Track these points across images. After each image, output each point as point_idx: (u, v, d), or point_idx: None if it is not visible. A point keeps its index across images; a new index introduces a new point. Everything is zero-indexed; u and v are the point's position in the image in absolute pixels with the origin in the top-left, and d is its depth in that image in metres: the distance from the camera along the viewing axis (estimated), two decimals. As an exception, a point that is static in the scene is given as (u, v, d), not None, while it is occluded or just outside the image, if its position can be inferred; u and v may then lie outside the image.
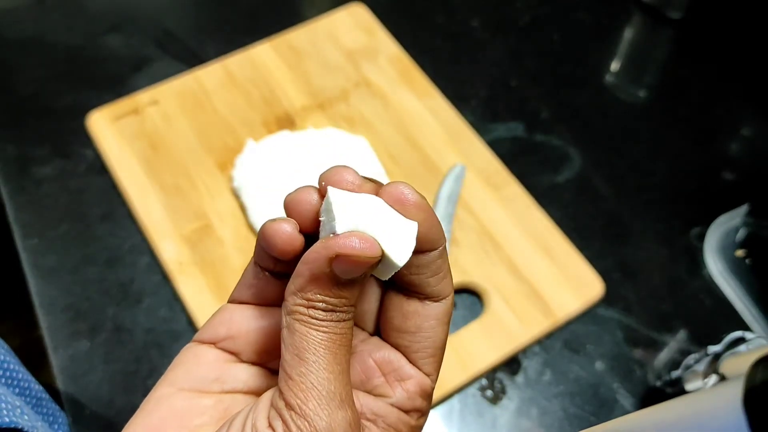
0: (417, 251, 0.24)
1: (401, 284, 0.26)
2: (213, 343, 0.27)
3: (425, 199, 0.24)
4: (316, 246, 0.23)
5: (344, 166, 0.24)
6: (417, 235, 0.24)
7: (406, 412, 0.26)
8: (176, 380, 0.26)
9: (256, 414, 0.23)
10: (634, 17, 0.73)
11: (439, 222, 0.25)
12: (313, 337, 0.23)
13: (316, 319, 0.23)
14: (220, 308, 0.27)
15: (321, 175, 0.24)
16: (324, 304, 0.23)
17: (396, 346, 0.27)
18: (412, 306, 0.26)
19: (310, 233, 0.24)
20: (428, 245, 0.25)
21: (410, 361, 0.26)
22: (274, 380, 0.27)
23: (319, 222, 0.24)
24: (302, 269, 0.23)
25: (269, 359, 0.27)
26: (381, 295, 0.27)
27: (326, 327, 0.23)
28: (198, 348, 0.27)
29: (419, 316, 0.26)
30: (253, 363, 0.27)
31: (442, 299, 0.26)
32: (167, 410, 0.25)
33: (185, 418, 0.25)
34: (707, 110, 0.67)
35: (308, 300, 0.23)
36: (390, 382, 0.26)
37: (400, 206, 0.24)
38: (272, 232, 0.24)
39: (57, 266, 0.55)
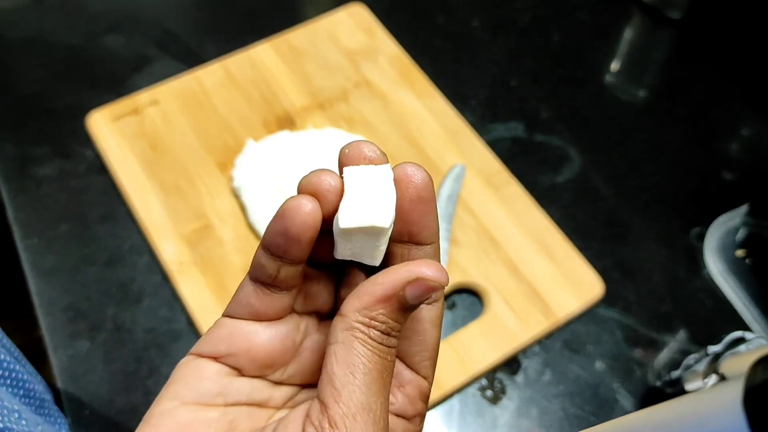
0: (411, 241, 0.24)
1: None
2: (213, 358, 0.27)
3: (431, 181, 0.24)
4: (393, 267, 0.23)
5: (364, 141, 0.25)
6: (410, 219, 0.24)
7: (409, 419, 0.26)
8: (178, 394, 0.26)
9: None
10: (634, 17, 0.73)
11: (437, 214, 0.25)
12: (368, 360, 0.23)
13: (374, 340, 0.23)
14: (217, 323, 0.27)
15: (341, 152, 0.25)
16: (385, 326, 0.23)
17: None
18: None
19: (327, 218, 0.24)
20: (425, 234, 0.25)
21: (407, 366, 0.27)
22: (277, 391, 0.27)
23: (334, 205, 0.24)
24: (372, 288, 0.23)
25: (271, 372, 0.27)
26: None
27: (380, 351, 0.23)
28: (198, 361, 0.27)
29: (414, 321, 0.26)
30: (255, 376, 0.27)
31: (434, 302, 0.26)
32: (173, 424, 0.25)
33: (192, 431, 0.25)
34: (707, 110, 0.67)
35: (371, 319, 0.23)
36: (390, 389, 0.26)
37: (404, 187, 0.24)
38: (295, 206, 0.24)
39: (57, 266, 0.55)
